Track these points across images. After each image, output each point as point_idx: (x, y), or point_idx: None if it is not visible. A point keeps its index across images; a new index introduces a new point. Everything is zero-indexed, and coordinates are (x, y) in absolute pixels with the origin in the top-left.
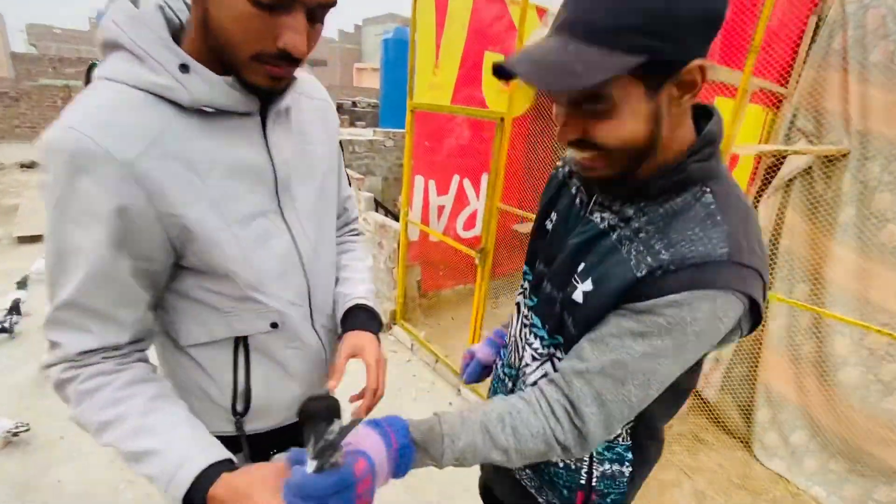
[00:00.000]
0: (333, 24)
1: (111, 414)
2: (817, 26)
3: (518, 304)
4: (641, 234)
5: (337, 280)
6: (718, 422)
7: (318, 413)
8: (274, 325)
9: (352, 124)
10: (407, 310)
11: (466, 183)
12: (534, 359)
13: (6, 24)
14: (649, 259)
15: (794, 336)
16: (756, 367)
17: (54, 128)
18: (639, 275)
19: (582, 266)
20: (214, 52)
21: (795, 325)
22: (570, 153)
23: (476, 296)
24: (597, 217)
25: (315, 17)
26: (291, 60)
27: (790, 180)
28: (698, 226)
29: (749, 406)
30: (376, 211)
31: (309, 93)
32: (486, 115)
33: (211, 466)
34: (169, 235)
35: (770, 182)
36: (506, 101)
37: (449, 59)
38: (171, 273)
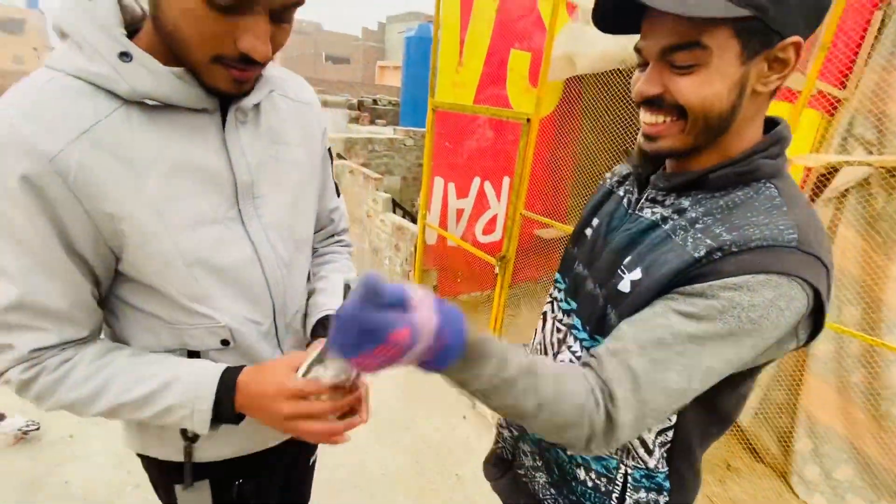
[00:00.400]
0: (357, 21)
1: (97, 381)
2: (883, 22)
3: (545, 314)
4: (699, 224)
5: (312, 292)
6: (752, 449)
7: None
8: (225, 343)
9: (372, 122)
10: None
11: (487, 186)
12: (571, 363)
13: (45, 14)
14: (709, 241)
15: (842, 362)
16: (797, 393)
17: None
18: (696, 255)
19: (629, 258)
20: (170, 50)
21: (844, 350)
22: (642, 117)
23: (495, 305)
24: (647, 212)
25: (280, 18)
26: (255, 63)
27: (844, 192)
28: (763, 214)
29: (787, 435)
30: (394, 212)
31: (288, 93)
32: (511, 116)
33: (225, 371)
34: (104, 235)
35: (819, 194)
36: (532, 100)
37: (473, 57)
38: (112, 278)
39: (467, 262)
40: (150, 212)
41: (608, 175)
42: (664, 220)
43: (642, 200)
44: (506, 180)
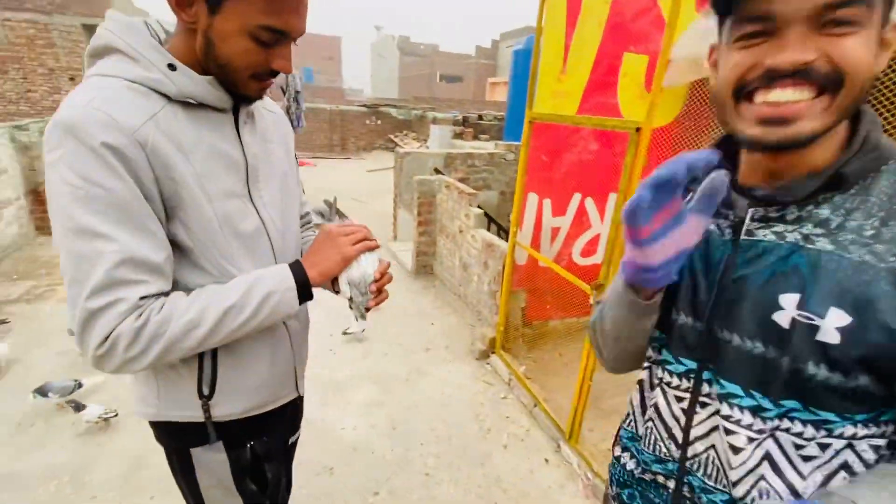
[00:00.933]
0: (471, 40)
1: (200, 303)
2: None
3: (643, 381)
4: (869, 231)
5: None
6: None
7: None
8: None
9: (475, 137)
10: (508, 339)
11: (589, 203)
12: (750, 440)
13: None
14: None
15: None
16: None
17: (65, 111)
18: None
19: (791, 296)
20: (207, 66)
21: None
22: (774, 96)
23: (588, 342)
24: (767, 236)
25: (294, 42)
26: (276, 75)
27: None
28: None
29: None
30: (488, 228)
31: (266, 106)
32: (617, 126)
33: (294, 262)
34: (164, 197)
35: None
36: (645, 108)
37: (578, 64)
38: None
39: (560, 285)
40: (196, 183)
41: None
42: (807, 238)
43: (748, 221)
44: (612, 198)
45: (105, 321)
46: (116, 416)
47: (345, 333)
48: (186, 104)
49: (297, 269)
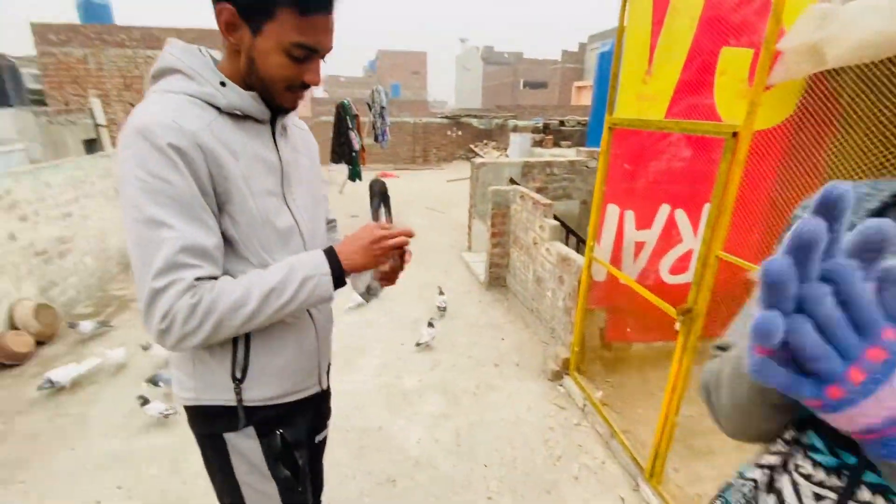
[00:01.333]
0: (557, 45)
1: (244, 284)
2: None
3: (774, 471)
4: None
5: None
6: None
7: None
8: None
9: (556, 144)
10: (583, 360)
11: (680, 216)
12: None
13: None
14: None
15: None
16: None
17: (137, 118)
18: None
19: None
20: (250, 82)
21: None
22: None
23: (674, 370)
24: None
25: (322, 58)
26: (308, 88)
27: None
28: None
29: None
30: (566, 240)
31: (296, 123)
32: (709, 131)
33: (328, 248)
34: (216, 192)
35: None
36: (745, 108)
37: (667, 63)
38: None
39: (644, 305)
40: (243, 181)
41: (797, 210)
42: None
43: None
44: (707, 209)
45: (166, 298)
46: (175, 412)
47: (418, 345)
48: (234, 115)
49: (332, 256)
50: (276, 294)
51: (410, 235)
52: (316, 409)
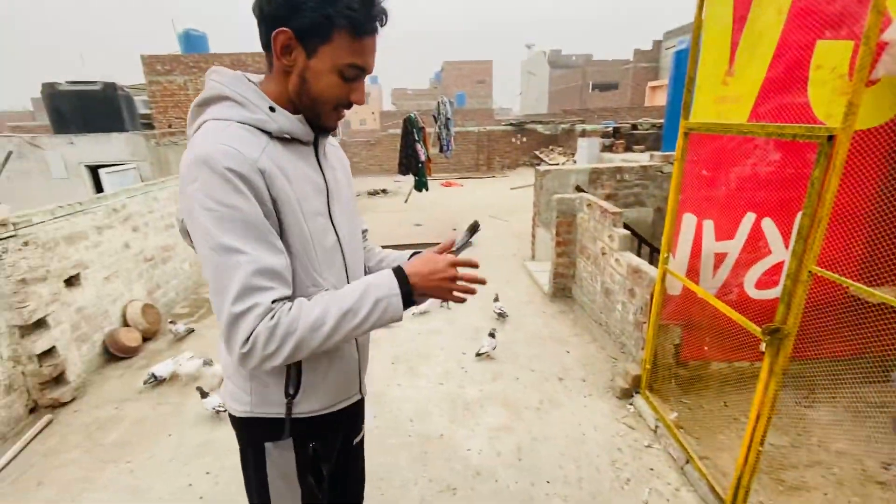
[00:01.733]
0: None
1: (321, 306)
2: None
3: None
4: None
5: (372, 260)
6: None
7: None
8: None
9: (627, 149)
10: (655, 378)
11: (768, 224)
12: None
13: (382, 89)
14: None
15: None
16: None
17: (198, 148)
18: None
19: None
20: (299, 102)
21: None
22: None
23: (759, 394)
24: None
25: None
26: (350, 106)
27: None
28: None
29: None
30: (639, 251)
31: (330, 141)
32: (801, 135)
33: (394, 269)
34: (277, 214)
35: None
36: (843, 107)
37: (751, 61)
38: None
39: (725, 322)
40: (297, 204)
41: None
42: None
43: None
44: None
45: (246, 323)
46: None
47: (478, 355)
48: (282, 139)
49: (402, 278)
50: (351, 315)
51: (480, 281)
52: (354, 415)
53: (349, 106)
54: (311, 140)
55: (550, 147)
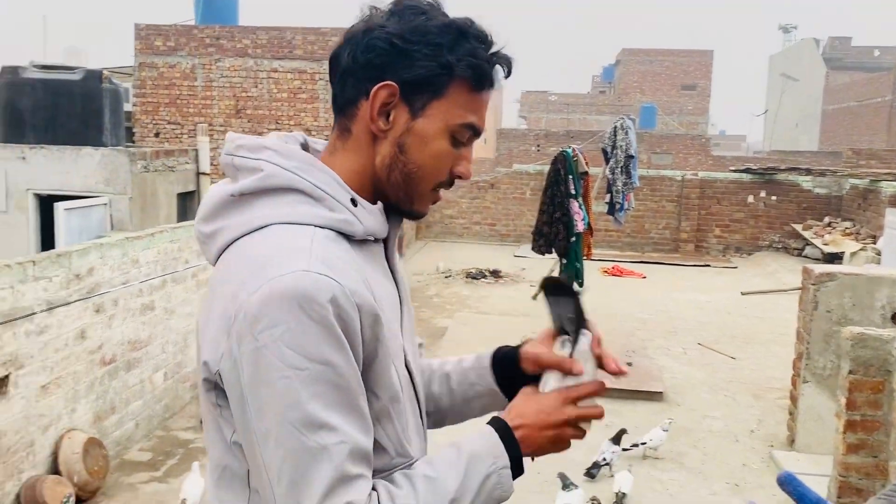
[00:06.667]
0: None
1: (421, 495)
2: None
3: None
4: None
5: (434, 382)
6: None
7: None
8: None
9: None
10: None
11: None
12: None
13: (503, 95)
14: None
15: None
16: None
17: (278, 279)
18: None
19: None
20: (386, 178)
21: None
22: None
23: None
24: None
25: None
26: (451, 185)
27: None
28: None
29: None
30: None
31: None
32: None
33: (492, 422)
34: (365, 362)
35: None
36: None
37: None
38: None
39: None
40: (391, 337)
41: None
42: None
43: None
44: None
45: None
46: None
47: None
48: (356, 240)
49: (508, 437)
50: (455, 489)
51: (597, 416)
52: None
53: (451, 184)
54: (384, 235)
55: (827, 220)
